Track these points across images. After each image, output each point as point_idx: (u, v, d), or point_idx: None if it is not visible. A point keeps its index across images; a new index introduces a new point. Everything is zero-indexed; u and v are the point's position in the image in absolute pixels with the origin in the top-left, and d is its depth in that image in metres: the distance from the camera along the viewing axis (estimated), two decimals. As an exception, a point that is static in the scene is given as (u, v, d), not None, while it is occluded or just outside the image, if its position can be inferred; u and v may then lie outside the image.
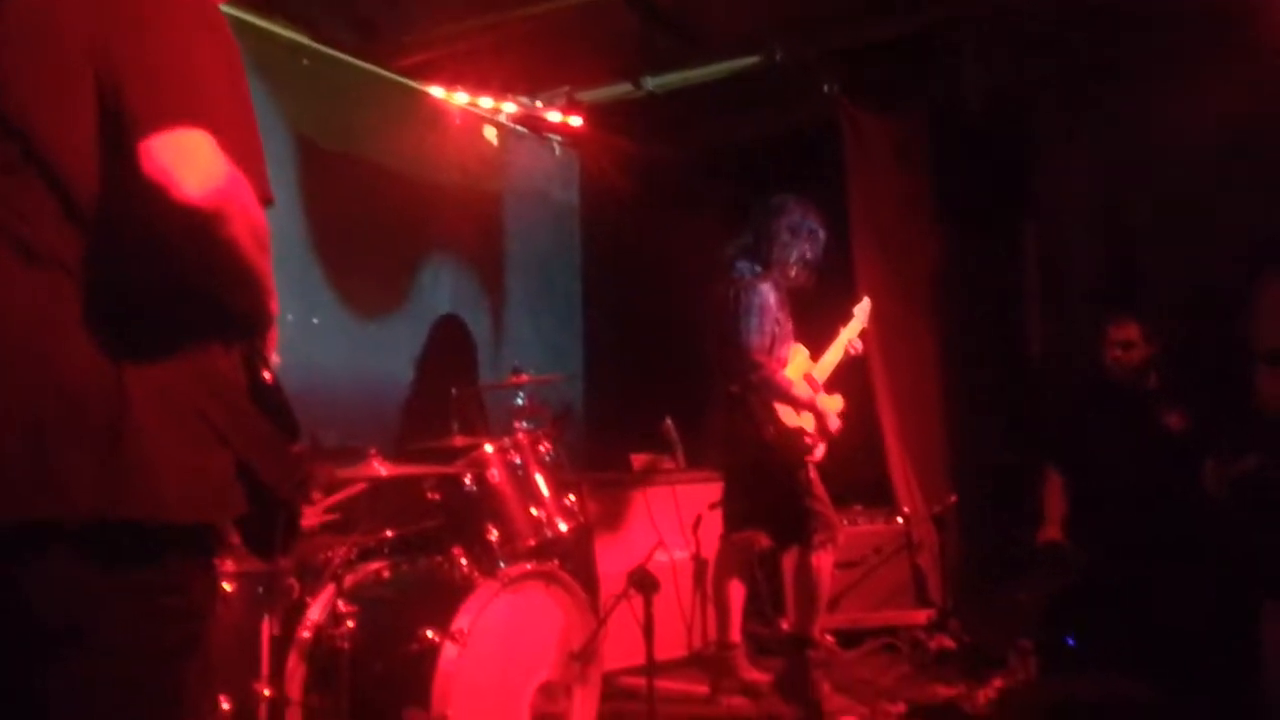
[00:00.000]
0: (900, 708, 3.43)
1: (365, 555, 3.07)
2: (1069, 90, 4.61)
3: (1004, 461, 4.57)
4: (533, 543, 3.08)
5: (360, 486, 2.96)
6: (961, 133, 4.75)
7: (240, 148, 1.26)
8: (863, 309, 3.96)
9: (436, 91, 4.78)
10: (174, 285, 1.29)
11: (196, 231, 1.22)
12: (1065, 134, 4.64)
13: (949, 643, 4.15)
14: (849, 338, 3.94)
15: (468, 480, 3.09)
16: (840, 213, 4.82)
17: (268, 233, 1.33)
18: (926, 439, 4.81)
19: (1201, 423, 3.54)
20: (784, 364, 3.72)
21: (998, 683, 3.45)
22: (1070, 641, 3.61)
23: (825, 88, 4.70)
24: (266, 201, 1.33)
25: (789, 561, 3.94)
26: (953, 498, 4.45)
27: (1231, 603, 2.99)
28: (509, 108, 5.07)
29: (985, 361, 4.81)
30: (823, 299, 4.04)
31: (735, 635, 3.90)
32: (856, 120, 4.83)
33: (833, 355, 3.90)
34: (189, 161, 1.20)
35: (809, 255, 3.78)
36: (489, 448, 3.13)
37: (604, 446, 4.90)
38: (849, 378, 4.54)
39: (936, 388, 4.86)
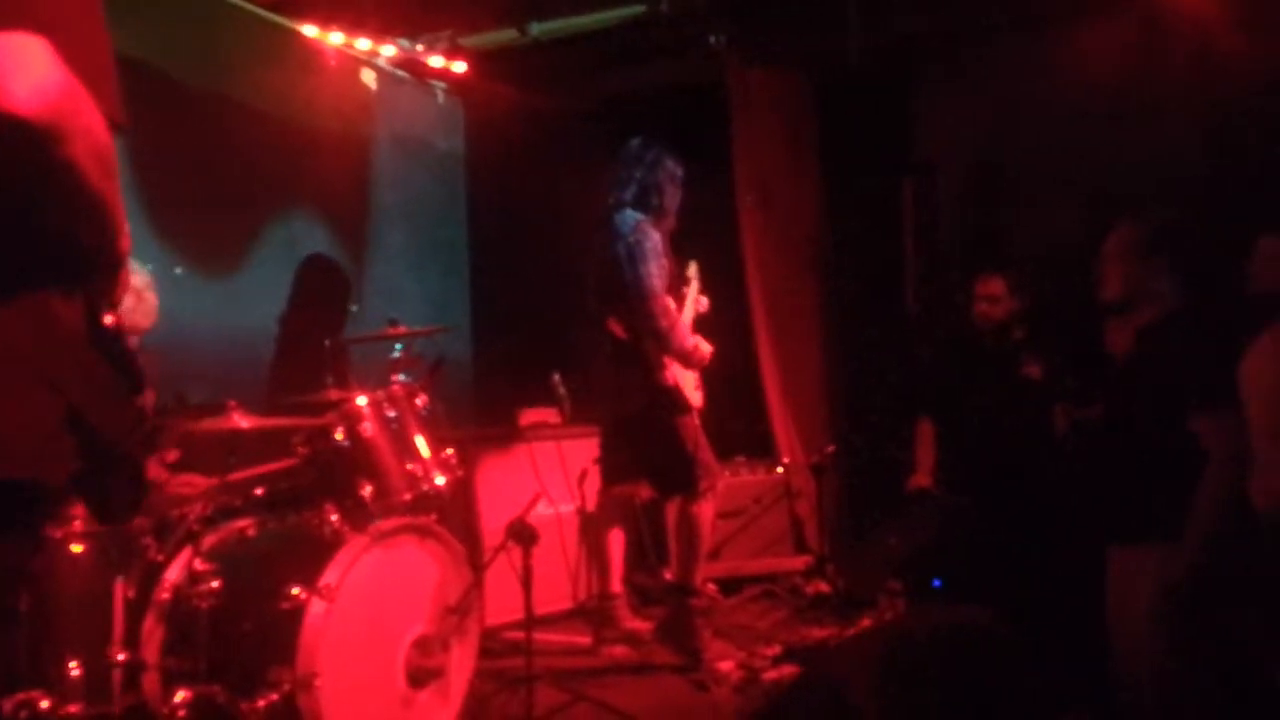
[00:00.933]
0: (775, 650, 3.55)
1: (231, 513, 2.98)
2: (950, 48, 4.72)
3: (880, 412, 4.73)
4: (408, 497, 3.04)
5: (222, 441, 2.87)
6: (846, 90, 4.83)
7: (86, 63, 1.15)
8: (693, 270, 4.05)
9: (309, 31, 4.60)
10: (4, 215, 1.18)
11: (29, 149, 1.10)
12: (945, 92, 4.76)
13: (824, 587, 4.31)
14: (694, 295, 4.00)
15: (339, 434, 3.02)
16: (725, 167, 4.87)
17: (114, 157, 1.21)
18: (807, 391, 4.93)
19: (1059, 372, 3.72)
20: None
21: (865, 623, 3.59)
22: (936, 583, 3.78)
23: (711, 40, 4.69)
24: (116, 125, 1.21)
25: (672, 511, 3.99)
26: (830, 448, 4.59)
27: (1080, 546, 3.17)
28: (388, 51, 4.91)
29: (865, 316, 4.94)
30: (704, 254, 4.09)
31: (616, 586, 3.96)
32: (742, 75, 4.85)
33: (688, 311, 3.96)
34: (20, 67, 1.08)
35: (678, 202, 3.83)
36: (362, 400, 3.07)
37: (491, 402, 4.87)
38: (734, 331, 4.63)
39: (818, 342, 4.98)
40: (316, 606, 2.60)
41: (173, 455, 3.02)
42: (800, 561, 4.56)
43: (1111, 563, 2.62)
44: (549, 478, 4.14)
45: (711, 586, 4.27)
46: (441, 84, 5.36)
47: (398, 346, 3.41)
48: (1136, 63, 4.07)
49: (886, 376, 4.80)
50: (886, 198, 4.94)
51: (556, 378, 4.53)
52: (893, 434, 4.49)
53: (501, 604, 3.83)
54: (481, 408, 4.95)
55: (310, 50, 4.64)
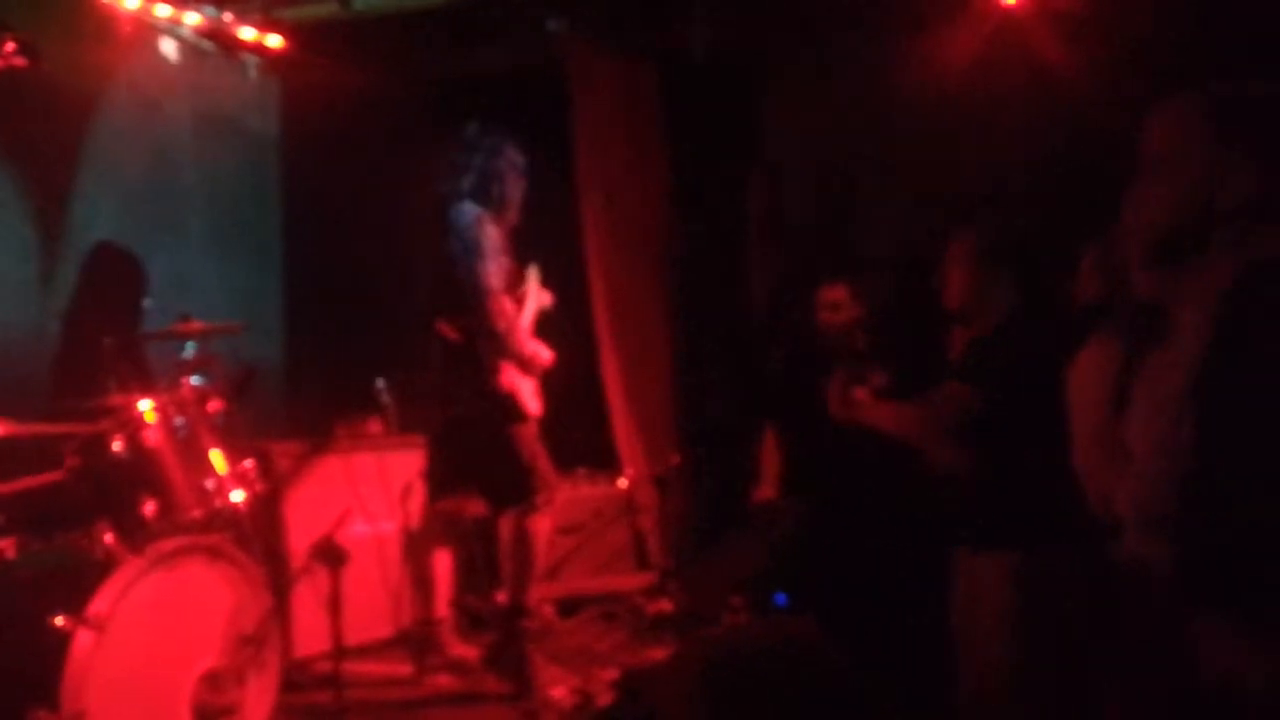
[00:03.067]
0: (612, 674, 3.53)
1: None
2: (798, 47, 4.88)
3: (727, 421, 4.82)
4: (198, 515, 2.95)
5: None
6: (693, 84, 4.90)
7: None
8: (532, 273, 4.04)
9: (99, -9, 4.32)
10: None
11: None
12: (793, 91, 4.91)
13: (667, 606, 4.33)
14: (534, 297, 4.00)
15: (117, 443, 2.90)
16: (566, 160, 4.86)
17: None
18: (652, 399, 4.97)
19: (904, 381, 3.87)
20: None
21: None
22: (780, 599, 3.86)
23: (550, 24, 4.69)
24: None
25: (506, 527, 3.93)
26: (675, 459, 4.63)
27: (923, 553, 3.28)
28: (191, 19, 4.68)
29: (712, 320, 5.04)
30: (543, 253, 4.06)
31: (442, 609, 3.91)
32: (585, 62, 4.85)
33: (529, 312, 3.95)
34: None
35: (521, 194, 3.81)
36: (144, 405, 2.95)
37: (306, 409, 4.70)
38: (575, 335, 4.61)
39: (664, 347, 5.04)
40: (84, 638, 2.50)
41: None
42: (643, 579, 4.58)
43: (959, 571, 2.72)
44: (369, 493, 4.04)
45: (547, 608, 4.26)
46: (254, 59, 5.14)
47: (189, 345, 3.30)
48: (977, 72, 4.30)
49: (733, 384, 4.88)
50: (734, 198, 5.05)
51: (380, 383, 4.42)
52: (739, 444, 4.57)
53: (313, 633, 3.67)
54: (295, 416, 4.77)
55: (101, 15, 4.36)
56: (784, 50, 4.91)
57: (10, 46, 1.98)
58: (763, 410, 4.36)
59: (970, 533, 2.71)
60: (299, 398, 4.97)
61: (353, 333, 4.85)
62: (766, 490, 4.16)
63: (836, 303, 4.13)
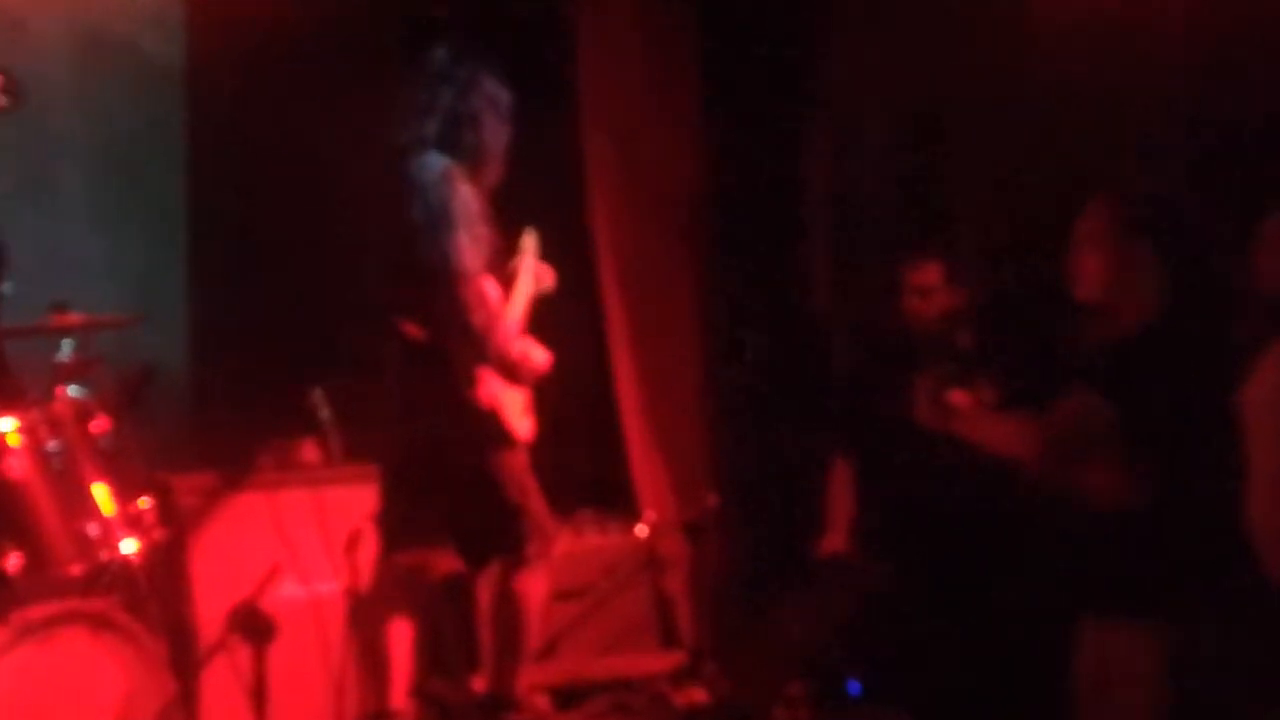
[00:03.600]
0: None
1: None
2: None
3: (780, 446, 4.80)
4: (76, 571, 3.02)
5: None
6: (736, 11, 4.90)
7: None
8: (530, 242, 4.09)
9: None
10: None
11: None
12: (865, 11, 4.88)
13: (701, 695, 4.32)
14: (529, 276, 4.02)
15: None
16: (567, 100, 4.86)
17: None
18: (681, 418, 4.97)
19: (1015, 388, 3.87)
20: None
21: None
22: (853, 687, 3.86)
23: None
24: None
25: (486, 589, 3.97)
26: (712, 499, 4.62)
27: (1041, 625, 3.29)
28: (69, -96, 4.71)
29: (760, 315, 5.02)
30: (537, 221, 4.07)
31: (398, 699, 3.91)
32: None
33: (520, 299, 3.94)
34: None
35: (505, 143, 3.82)
36: (7, 424, 3.01)
37: (217, 428, 4.69)
38: (580, 330, 4.61)
39: (695, 347, 5.03)
40: (-76, 736, 2.48)
41: None
42: (668, 660, 4.57)
43: (1087, 646, 2.71)
44: (303, 542, 4.03)
45: (541, 698, 4.26)
46: (150, -40, 5.17)
47: (66, 343, 3.33)
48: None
49: (787, 396, 4.86)
50: (789, 151, 5.04)
51: (317, 394, 4.41)
52: (797, 477, 4.56)
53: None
54: (203, 437, 4.78)
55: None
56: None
57: None
58: (829, 431, 4.37)
59: (1104, 596, 2.74)
60: (208, 413, 4.97)
61: (280, 328, 4.86)
62: (834, 540, 4.17)
63: (927, 287, 4.14)
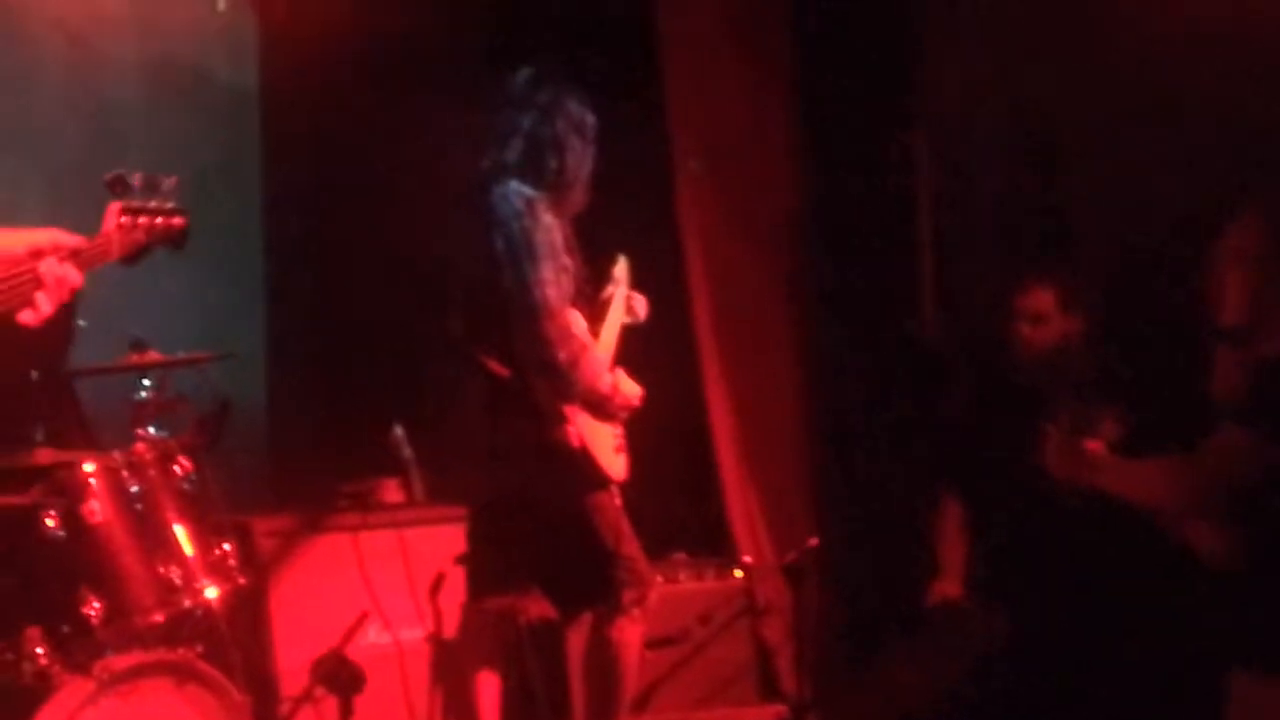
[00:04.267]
0: None
1: None
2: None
3: (886, 484, 4.75)
4: (159, 619, 3.03)
5: None
6: (832, 8, 4.89)
7: None
8: (622, 270, 4.10)
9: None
10: None
11: None
12: (971, 14, 4.84)
13: (805, 750, 4.29)
14: (621, 305, 4.02)
15: (50, 520, 2.98)
16: (654, 116, 4.87)
17: None
18: (778, 455, 4.94)
19: (1147, 429, 3.78)
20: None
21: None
22: (973, 742, 3.80)
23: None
24: None
25: (577, 638, 3.97)
26: (813, 540, 4.58)
27: (1186, 676, 3.22)
28: (140, -73, 4.83)
29: (862, 343, 4.97)
30: (624, 245, 4.09)
31: (488, 752, 3.89)
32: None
33: (611, 330, 3.96)
34: None
35: (590, 168, 3.84)
36: (88, 467, 3.04)
37: (297, 468, 4.80)
38: (671, 361, 4.59)
39: (793, 383, 4.99)
40: (9, 792, 2.53)
41: None
42: (768, 712, 4.53)
43: (1241, 701, 2.65)
44: (385, 587, 4.08)
45: (636, 753, 4.22)
46: (224, -14, 5.28)
47: (146, 383, 3.37)
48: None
49: (893, 430, 4.83)
50: (891, 167, 5.00)
51: (399, 433, 4.48)
52: (904, 519, 4.51)
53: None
54: (281, 478, 4.84)
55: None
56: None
57: None
58: (939, 469, 4.33)
59: (1259, 649, 2.64)
60: (287, 452, 5.05)
61: (359, 363, 4.92)
62: (946, 585, 4.12)
63: (1041, 313, 4.08)
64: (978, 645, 3.90)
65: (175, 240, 2.70)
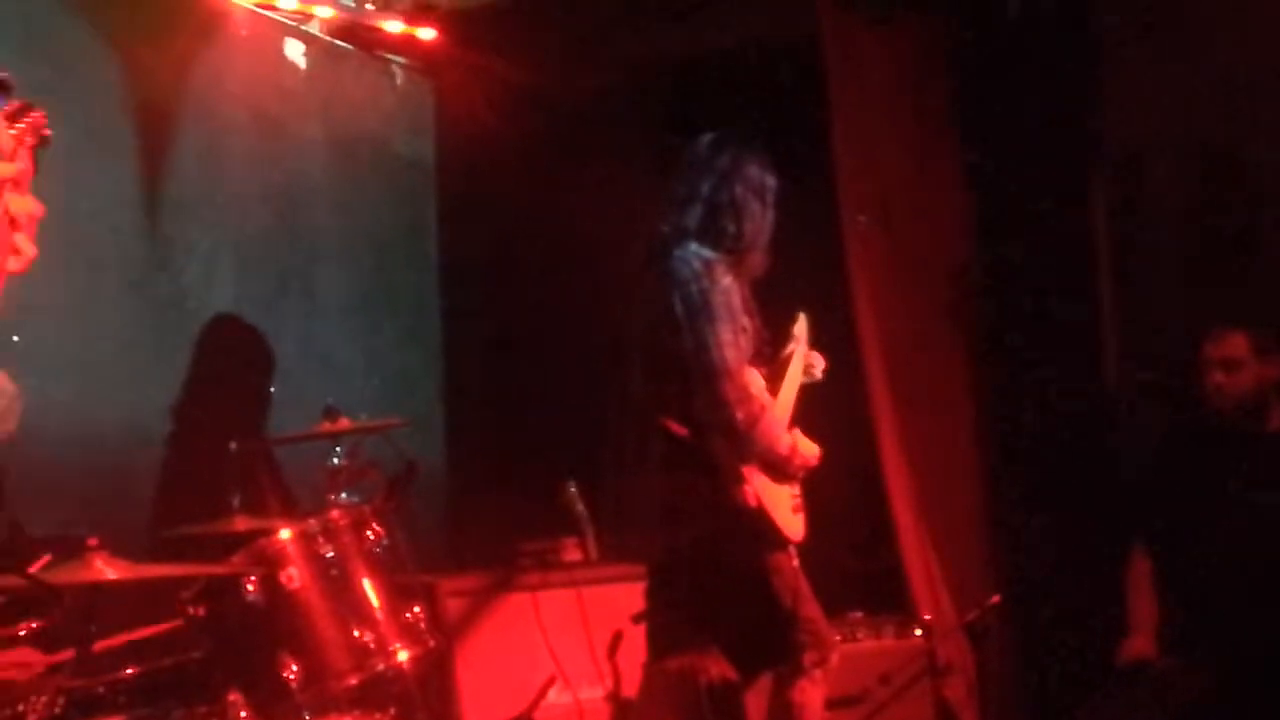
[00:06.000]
0: None
1: (90, 706, 2.99)
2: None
3: (1072, 540, 4.63)
4: (354, 681, 3.09)
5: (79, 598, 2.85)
6: (1003, 53, 4.85)
7: None
8: (801, 328, 4.08)
9: (211, -14, 4.70)
10: None
11: None
12: (1149, 51, 4.75)
13: (993, 815, 4.20)
14: (800, 364, 4.00)
15: (250, 586, 3.07)
16: (821, 169, 4.86)
17: None
18: (956, 511, 4.87)
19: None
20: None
21: None
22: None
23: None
24: None
25: (756, 700, 3.90)
26: (995, 598, 4.50)
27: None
28: (324, 12, 5.01)
29: (1042, 392, 4.88)
30: (796, 302, 4.08)
31: (671, 814, 3.87)
32: (848, 33, 4.88)
33: (790, 389, 3.93)
34: None
35: (770, 230, 3.84)
36: (285, 534, 3.12)
37: (473, 527, 4.85)
38: (845, 418, 4.56)
39: (970, 435, 4.93)
40: None
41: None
42: (954, 774, 4.44)
43: None
44: (563, 645, 4.12)
45: (820, 816, 4.18)
46: (401, 59, 5.43)
47: (338, 450, 3.45)
48: None
49: (1078, 485, 4.71)
50: (1068, 210, 4.91)
51: (573, 490, 4.52)
52: (1093, 575, 4.41)
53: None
54: (458, 537, 4.92)
55: (213, 14, 4.72)
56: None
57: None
58: (1129, 525, 4.24)
59: None
60: (463, 512, 5.13)
61: (535, 423, 4.98)
62: (1138, 643, 4.03)
63: (1232, 360, 4.00)
64: (1175, 705, 3.82)
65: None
